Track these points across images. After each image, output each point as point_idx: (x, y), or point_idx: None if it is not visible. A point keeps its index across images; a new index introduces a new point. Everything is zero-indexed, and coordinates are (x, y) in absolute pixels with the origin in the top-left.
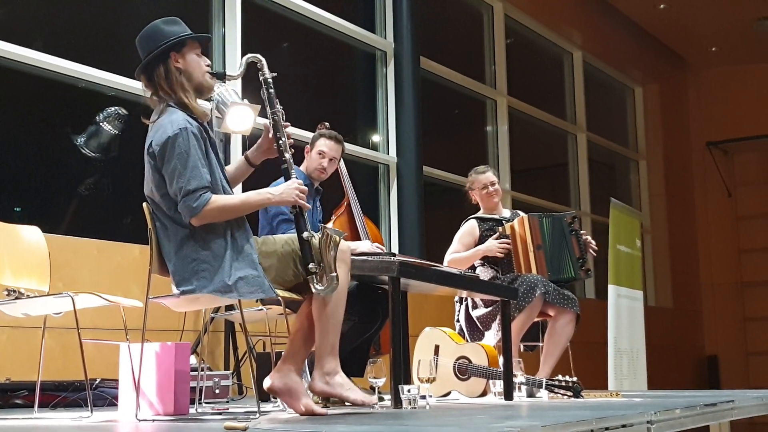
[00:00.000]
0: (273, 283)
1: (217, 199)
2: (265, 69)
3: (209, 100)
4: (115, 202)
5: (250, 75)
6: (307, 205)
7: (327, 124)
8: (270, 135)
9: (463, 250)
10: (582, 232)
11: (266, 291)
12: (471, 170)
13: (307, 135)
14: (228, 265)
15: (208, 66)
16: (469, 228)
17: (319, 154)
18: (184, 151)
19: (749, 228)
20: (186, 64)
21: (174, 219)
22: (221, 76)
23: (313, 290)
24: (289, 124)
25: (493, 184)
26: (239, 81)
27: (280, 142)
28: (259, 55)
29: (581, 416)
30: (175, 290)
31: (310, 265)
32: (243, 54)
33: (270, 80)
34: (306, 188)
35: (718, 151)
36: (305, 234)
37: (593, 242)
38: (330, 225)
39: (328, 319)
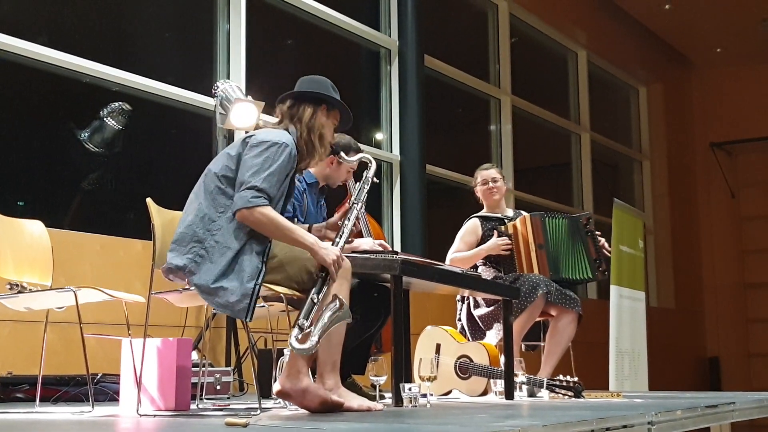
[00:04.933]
0: (287, 283)
1: (272, 211)
2: (372, 172)
3: (214, 96)
4: (118, 198)
5: (255, 74)
6: (335, 276)
7: None
8: (342, 218)
9: (465, 248)
10: (598, 233)
11: (235, 314)
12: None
13: None
14: (219, 271)
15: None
16: (472, 227)
17: (349, 171)
18: (274, 159)
19: (752, 229)
20: (327, 123)
21: (215, 200)
22: (337, 152)
23: (289, 344)
24: (359, 220)
25: (494, 180)
26: (243, 78)
27: (345, 223)
28: (373, 160)
29: (582, 416)
30: (168, 256)
31: (302, 321)
32: (247, 51)
33: (371, 182)
34: (343, 264)
35: (722, 152)
36: (314, 296)
37: (607, 245)
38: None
39: (329, 337)
